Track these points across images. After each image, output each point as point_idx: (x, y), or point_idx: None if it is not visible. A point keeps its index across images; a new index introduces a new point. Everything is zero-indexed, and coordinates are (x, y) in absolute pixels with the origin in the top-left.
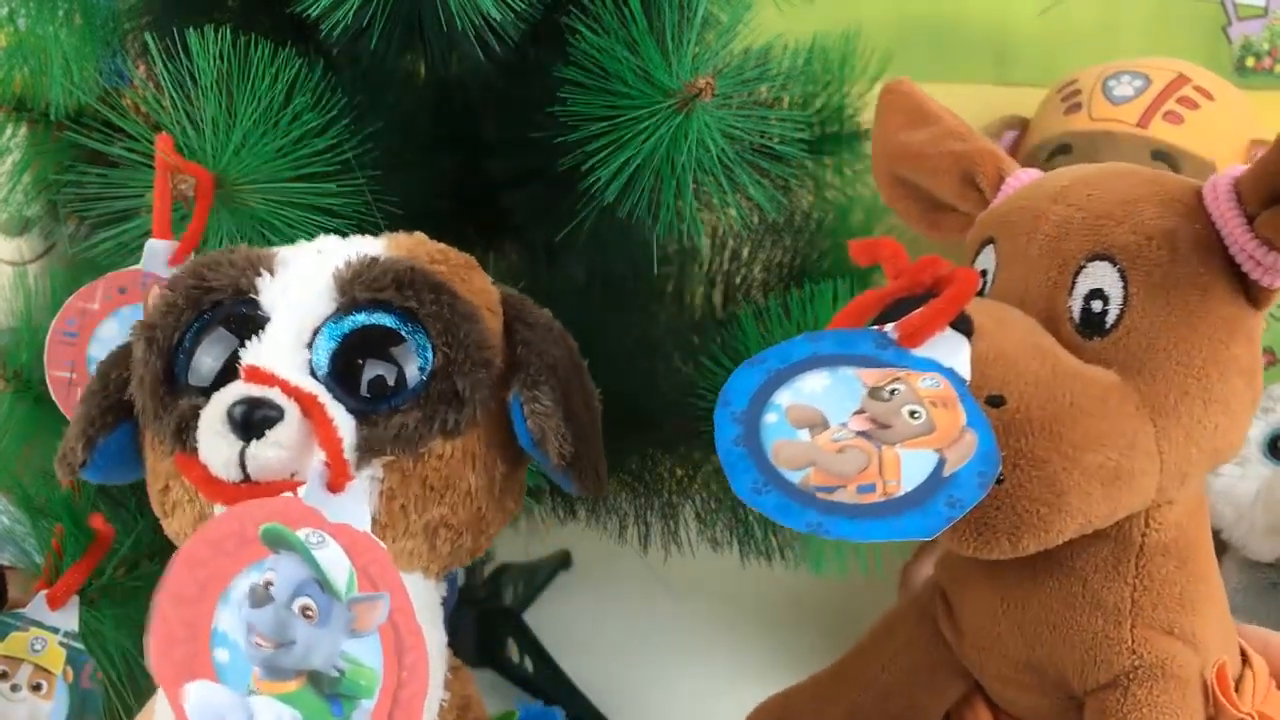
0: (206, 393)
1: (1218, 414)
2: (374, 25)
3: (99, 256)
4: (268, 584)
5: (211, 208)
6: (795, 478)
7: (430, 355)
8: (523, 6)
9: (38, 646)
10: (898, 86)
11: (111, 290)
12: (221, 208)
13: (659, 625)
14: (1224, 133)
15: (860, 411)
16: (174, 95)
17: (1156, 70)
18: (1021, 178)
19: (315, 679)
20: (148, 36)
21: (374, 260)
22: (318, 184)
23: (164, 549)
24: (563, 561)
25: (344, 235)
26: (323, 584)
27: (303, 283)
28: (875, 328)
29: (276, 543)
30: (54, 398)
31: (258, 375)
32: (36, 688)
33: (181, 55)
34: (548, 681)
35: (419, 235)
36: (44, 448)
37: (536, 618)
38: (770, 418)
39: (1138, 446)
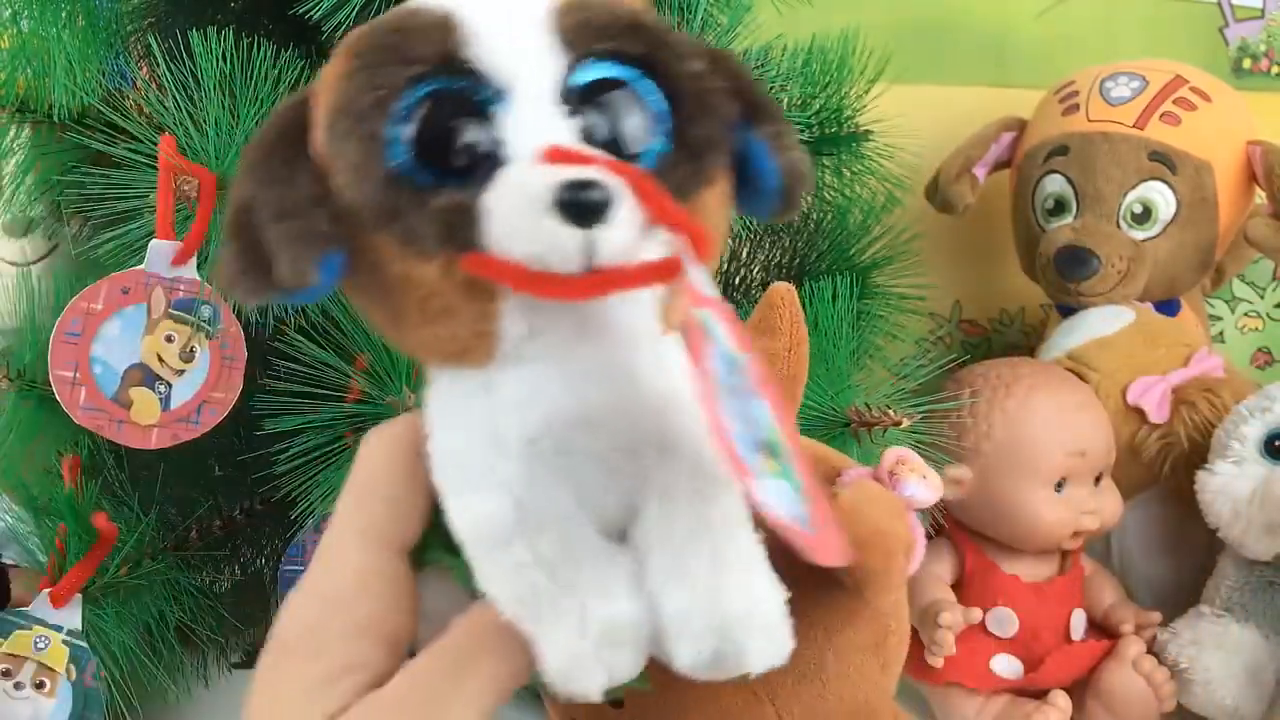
0: (457, 183)
1: None
2: None
3: (102, 257)
4: None
5: (214, 208)
6: None
7: (667, 103)
8: None
9: (41, 645)
10: None
11: (115, 291)
12: (224, 208)
13: None
14: (1221, 134)
15: None
16: (177, 96)
17: (1154, 71)
18: None
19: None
20: (151, 38)
21: (583, 3)
22: None
23: (165, 548)
24: None
25: None
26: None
27: (519, 42)
28: None
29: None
30: (57, 398)
31: (567, 155)
32: (40, 686)
33: (184, 57)
34: None
35: None
36: (47, 447)
37: None
38: None
39: None
